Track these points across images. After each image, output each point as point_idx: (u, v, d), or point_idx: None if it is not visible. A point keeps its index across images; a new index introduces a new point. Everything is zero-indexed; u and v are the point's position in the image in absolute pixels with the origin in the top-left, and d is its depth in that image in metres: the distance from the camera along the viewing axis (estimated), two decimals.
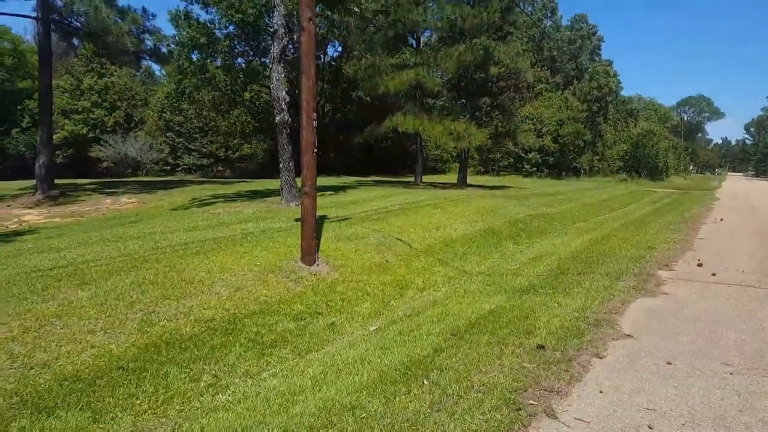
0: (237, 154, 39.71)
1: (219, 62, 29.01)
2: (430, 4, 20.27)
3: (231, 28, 27.29)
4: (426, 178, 25.87)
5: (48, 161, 16.02)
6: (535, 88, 42.75)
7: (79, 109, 38.20)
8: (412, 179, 23.10)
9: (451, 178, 27.60)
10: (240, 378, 4.24)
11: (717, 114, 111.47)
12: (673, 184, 39.89)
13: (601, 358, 4.02)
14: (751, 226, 13.14)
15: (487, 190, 20.65)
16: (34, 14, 17.42)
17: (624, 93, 56.45)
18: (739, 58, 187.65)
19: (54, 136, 34.02)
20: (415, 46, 22.34)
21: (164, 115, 38.81)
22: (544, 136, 40.97)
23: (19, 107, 37.43)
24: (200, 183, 22.69)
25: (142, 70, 45.42)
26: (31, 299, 4.74)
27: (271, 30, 12.07)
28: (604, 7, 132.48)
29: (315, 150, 7.45)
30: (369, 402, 3.43)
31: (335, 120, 38.56)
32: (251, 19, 25.77)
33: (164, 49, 21.96)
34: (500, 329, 4.87)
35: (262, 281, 6.45)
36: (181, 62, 26.37)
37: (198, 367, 4.17)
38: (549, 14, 51.91)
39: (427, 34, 23.45)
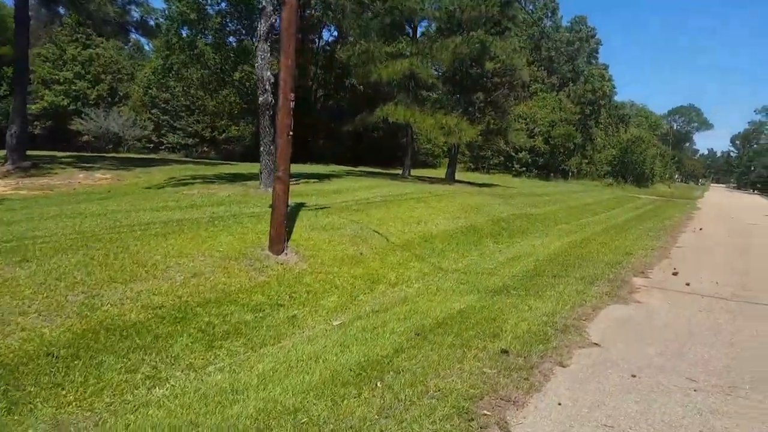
0: (224, 135, 38.91)
1: (210, 39, 28.31)
2: None
3: (223, 5, 26.64)
4: (415, 172, 25.61)
5: (20, 131, 15.34)
6: (530, 88, 42.70)
7: (61, 80, 36.98)
8: (400, 171, 22.82)
9: (441, 173, 27.38)
10: (182, 371, 3.97)
11: (705, 125, 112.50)
12: (658, 191, 40.19)
13: (564, 366, 3.84)
14: (731, 237, 13.15)
15: (475, 187, 20.49)
16: None
17: (617, 98, 56.72)
18: (730, 71, 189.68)
19: (33, 107, 33.08)
20: (411, 35, 21.95)
21: (150, 91, 37.77)
22: (536, 137, 40.88)
23: None
24: (182, 163, 22.11)
25: (131, 44, 44.14)
26: None
27: (260, 6, 11.64)
28: (602, 9, 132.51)
29: (290, 133, 7.16)
30: (314, 405, 3.20)
31: (327, 107, 38.00)
32: None
33: (152, 23, 21.25)
34: (466, 331, 4.68)
35: (222, 268, 6.17)
36: (169, 37, 25.62)
37: (137, 357, 3.89)
38: (550, 14, 51.51)
39: (424, 24, 23.08)
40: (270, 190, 11.42)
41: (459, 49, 18.49)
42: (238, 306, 5.40)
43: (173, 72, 31.74)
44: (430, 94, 24.17)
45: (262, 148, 11.65)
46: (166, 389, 3.59)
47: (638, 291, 6.41)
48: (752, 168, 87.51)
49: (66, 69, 37.22)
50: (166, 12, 25.26)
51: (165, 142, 38.16)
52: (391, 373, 3.77)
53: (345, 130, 25.48)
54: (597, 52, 53.35)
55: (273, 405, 3.21)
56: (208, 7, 26.37)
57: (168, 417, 3.10)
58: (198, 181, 14.10)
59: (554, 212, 15.81)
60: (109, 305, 4.40)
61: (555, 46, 48.51)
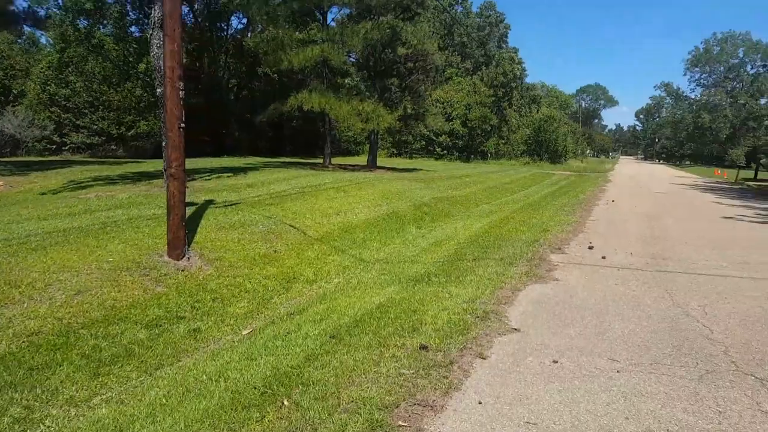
0: (132, 131, 35.45)
1: (110, 30, 25.55)
2: None
3: None
4: (337, 160, 25.03)
5: None
6: (445, 72, 43.53)
7: None
8: (321, 161, 22.15)
9: (363, 160, 27.05)
10: (61, 408, 3.42)
11: (611, 102, 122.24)
12: (572, 167, 42.91)
13: (484, 358, 3.61)
14: (640, 207, 14.06)
15: (397, 172, 20.37)
16: None
17: (528, 80, 59.62)
18: (634, 50, 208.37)
19: None
20: (322, 21, 21.20)
21: (48, 87, 33.43)
22: (454, 120, 41.85)
23: None
24: (86, 164, 19.87)
25: (25, 37, 38.76)
26: None
27: None
28: None
29: (182, 125, 6.41)
30: None
31: (241, 97, 36.09)
32: None
33: (42, 13, 18.50)
34: (385, 327, 4.34)
35: (112, 282, 5.37)
36: (64, 28, 22.63)
37: (6, 396, 3.31)
38: (460, 0, 52.81)
39: (335, 10, 22.37)
40: None
41: (370, 34, 18.10)
42: (130, 323, 4.73)
43: (72, 66, 28.40)
44: (347, 81, 23.62)
45: (164, 143, 10.51)
46: None
47: (556, 268, 6.46)
48: (656, 140, 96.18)
49: None
50: (60, 1, 22.24)
51: (68, 142, 33.95)
52: (300, 386, 3.33)
53: (260, 120, 24.18)
54: (507, 37, 55.65)
55: None
56: None
57: None
58: (100, 182, 12.63)
59: (474, 193, 16.08)
60: None
61: (466, 31, 49.76)
